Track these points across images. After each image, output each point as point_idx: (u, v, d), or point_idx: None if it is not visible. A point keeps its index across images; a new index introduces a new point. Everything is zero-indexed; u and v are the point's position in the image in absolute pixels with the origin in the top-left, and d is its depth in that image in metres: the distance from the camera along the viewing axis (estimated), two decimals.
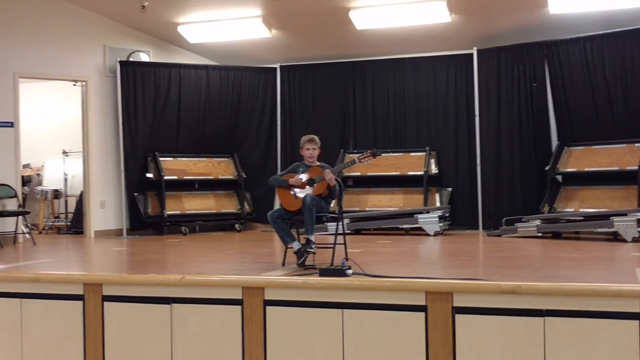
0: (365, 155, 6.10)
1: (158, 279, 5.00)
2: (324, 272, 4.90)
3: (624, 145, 8.75)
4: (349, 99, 10.71)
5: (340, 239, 5.90)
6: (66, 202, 11.34)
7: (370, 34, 9.77)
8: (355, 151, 10.35)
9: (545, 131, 9.49)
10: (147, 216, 10.15)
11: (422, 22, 9.29)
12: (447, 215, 9.35)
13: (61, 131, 11.67)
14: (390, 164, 10.11)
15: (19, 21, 9.31)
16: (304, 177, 6.02)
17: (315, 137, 6.16)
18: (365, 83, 10.64)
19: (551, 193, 9.13)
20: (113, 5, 9.63)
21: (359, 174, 10.17)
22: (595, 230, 8.02)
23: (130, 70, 10.24)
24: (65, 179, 11.35)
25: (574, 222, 8.48)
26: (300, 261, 5.77)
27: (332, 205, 6.34)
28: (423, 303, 4.31)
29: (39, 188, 11.34)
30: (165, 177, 10.14)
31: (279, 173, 6.46)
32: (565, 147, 9.26)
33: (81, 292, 5.08)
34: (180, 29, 10.10)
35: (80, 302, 5.07)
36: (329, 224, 8.48)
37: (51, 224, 11.29)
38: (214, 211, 10.54)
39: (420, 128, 10.35)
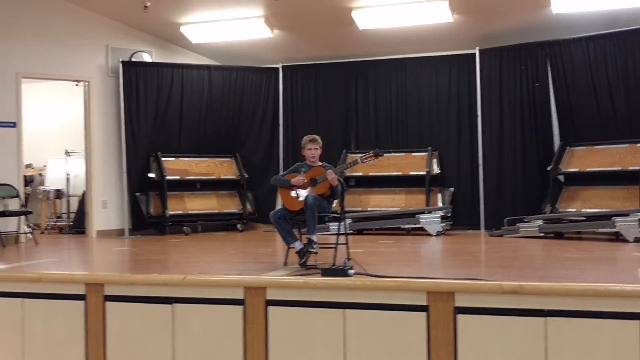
0: (367, 156, 6.10)
1: (160, 279, 5.00)
2: (326, 272, 4.90)
3: (627, 145, 8.73)
4: (351, 98, 10.71)
5: (342, 239, 5.91)
6: (68, 202, 11.36)
7: (372, 33, 9.77)
8: (358, 151, 10.35)
9: (548, 131, 9.48)
10: (149, 216, 10.16)
11: (424, 22, 9.29)
12: (449, 215, 9.35)
13: (63, 131, 11.68)
14: (392, 164, 10.11)
15: (22, 21, 9.32)
16: (305, 177, 6.02)
17: (317, 137, 6.16)
18: (368, 83, 10.64)
19: (553, 193, 9.12)
20: (115, 5, 9.64)
21: (361, 174, 10.17)
22: (597, 230, 8.01)
23: (133, 71, 10.25)
24: (68, 179, 11.37)
25: (576, 222, 8.47)
26: (302, 261, 5.78)
27: (334, 205, 6.34)
28: (425, 303, 4.30)
29: (41, 188, 11.36)
30: (168, 177, 10.15)
31: (281, 173, 6.46)
32: (568, 147, 9.25)
33: (83, 292, 5.08)
34: (182, 29, 10.11)
35: (82, 302, 5.08)
36: (331, 224, 8.51)
37: (53, 223, 11.31)
38: (216, 211, 10.55)
39: (422, 128, 10.35)
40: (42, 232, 10.92)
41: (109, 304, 5.02)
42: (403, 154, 10.24)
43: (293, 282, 4.77)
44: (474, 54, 9.83)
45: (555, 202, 9.07)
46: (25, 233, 9.24)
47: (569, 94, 9.25)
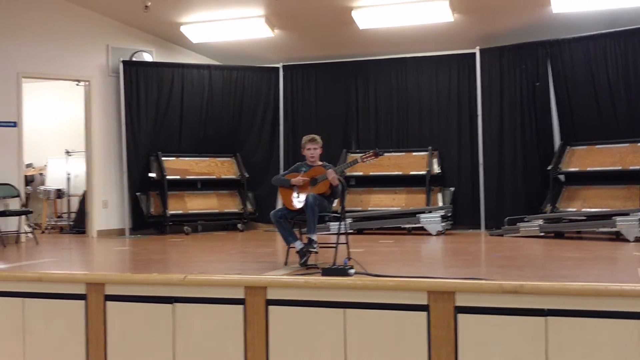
0: (367, 155, 6.11)
1: (160, 279, 5.00)
2: (326, 272, 4.91)
3: (627, 144, 8.73)
4: (351, 98, 10.71)
5: (342, 238, 5.91)
6: (69, 201, 11.37)
7: (372, 33, 9.77)
8: (358, 151, 10.35)
9: (548, 130, 9.47)
10: (150, 216, 10.16)
11: (424, 22, 9.29)
12: (450, 214, 9.36)
13: (64, 131, 11.69)
14: (393, 163, 10.12)
15: (22, 21, 9.32)
16: (305, 176, 6.01)
17: (317, 137, 6.15)
18: (368, 82, 10.64)
19: (553, 193, 9.12)
20: (116, 5, 9.64)
21: (361, 173, 10.17)
22: (598, 230, 8.02)
23: (133, 70, 10.25)
24: (68, 179, 11.37)
25: (577, 221, 8.47)
26: (303, 261, 5.78)
27: (334, 204, 6.34)
28: (425, 303, 4.31)
29: (42, 188, 11.36)
30: (168, 177, 10.15)
31: (282, 173, 6.46)
32: (568, 147, 9.25)
33: (84, 292, 5.09)
34: (183, 29, 10.11)
35: (83, 302, 5.08)
36: (332, 223, 8.51)
37: (54, 223, 11.32)
38: (216, 211, 10.55)
39: (422, 127, 10.35)
40: (42, 232, 10.93)
41: (109, 303, 5.03)
42: (403, 153, 10.24)
43: (293, 281, 4.77)
44: (474, 54, 9.83)
45: (556, 202, 9.07)
46: (26, 233, 9.25)
47: (569, 94, 9.25)
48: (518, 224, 8.65)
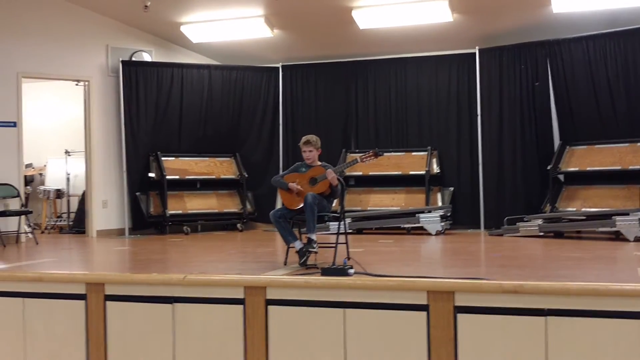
0: (367, 155, 6.11)
1: (160, 279, 5.00)
2: (326, 272, 4.91)
3: (627, 144, 8.74)
4: (351, 98, 10.71)
5: (342, 238, 5.90)
6: (68, 201, 11.36)
7: (372, 33, 9.77)
8: (357, 150, 10.36)
9: (548, 130, 9.48)
10: (149, 216, 10.16)
11: (424, 22, 9.29)
12: (449, 214, 9.35)
13: (63, 131, 11.68)
14: (392, 163, 10.12)
15: (22, 21, 9.32)
16: (301, 185, 5.99)
17: (312, 139, 6.12)
18: (368, 82, 10.64)
19: (553, 192, 9.12)
20: (116, 5, 9.64)
21: (360, 173, 10.17)
22: (598, 229, 8.02)
23: (133, 70, 10.25)
24: (68, 179, 11.37)
25: (576, 221, 8.47)
26: (302, 260, 5.78)
27: (334, 204, 6.34)
28: (425, 302, 4.31)
29: (42, 188, 11.36)
30: (168, 177, 10.15)
31: (281, 173, 6.46)
32: (568, 147, 9.26)
33: (83, 292, 5.09)
34: (183, 29, 10.11)
35: (83, 302, 5.08)
36: (331, 223, 8.51)
37: (53, 223, 11.32)
38: (215, 211, 10.55)
39: (422, 127, 10.36)
40: (42, 232, 10.93)
41: (109, 303, 5.03)
42: (403, 153, 10.24)
43: (293, 281, 4.77)
44: (474, 54, 9.83)
45: (555, 202, 9.08)
46: (26, 233, 9.25)
47: (568, 94, 9.25)
48: (518, 223, 8.65)
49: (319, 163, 6.15)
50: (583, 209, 8.77)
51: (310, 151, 6.09)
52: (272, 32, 9.95)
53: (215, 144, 10.77)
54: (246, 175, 10.69)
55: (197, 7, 9.51)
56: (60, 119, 11.91)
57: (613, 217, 7.74)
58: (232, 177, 10.74)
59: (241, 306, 4.69)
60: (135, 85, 10.26)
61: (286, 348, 4.61)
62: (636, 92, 8.70)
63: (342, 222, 5.99)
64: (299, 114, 10.95)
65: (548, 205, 9.11)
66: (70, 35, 9.76)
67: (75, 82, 10.16)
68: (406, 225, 9.27)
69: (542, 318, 4.07)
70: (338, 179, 5.92)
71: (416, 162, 10.08)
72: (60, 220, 11.43)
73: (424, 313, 4.30)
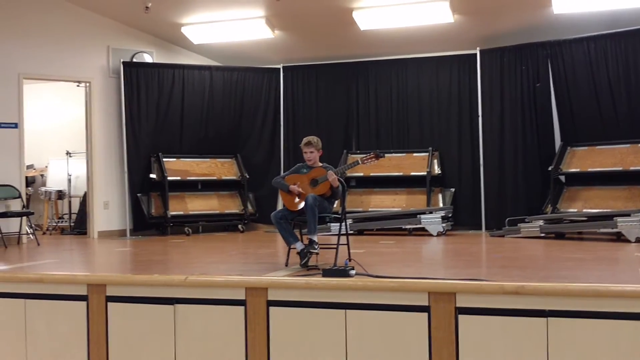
0: (368, 157, 6.12)
1: (161, 280, 5.01)
2: (327, 273, 4.91)
3: (628, 145, 8.73)
4: (352, 99, 10.72)
5: (343, 239, 5.90)
6: (70, 202, 11.37)
7: (373, 34, 9.77)
8: (358, 151, 10.37)
9: (549, 131, 9.47)
10: (151, 217, 10.17)
11: (425, 23, 9.29)
12: (450, 215, 9.36)
13: (65, 132, 11.70)
14: (393, 164, 10.12)
15: (23, 22, 9.33)
16: (301, 188, 5.99)
17: (313, 140, 6.11)
18: (368, 83, 10.64)
19: (554, 193, 9.11)
20: (117, 6, 9.65)
21: (361, 174, 10.17)
22: (599, 230, 8.01)
23: (134, 71, 10.26)
24: (69, 180, 11.37)
25: (577, 222, 8.47)
26: (304, 262, 5.78)
27: (335, 205, 6.34)
28: (426, 303, 4.31)
29: (43, 189, 11.37)
30: (169, 178, 10.16)
31: (282, 174, 6.46)
32: (569, 147, 9.25)
33: (85, 293, 5.10)
34: (183, 30, 10.12)
35: (84, 303, 5.09)
36: (332, 224, 8.51)
37: (55, 224, 11.32)
38: (217, 212, 10.56)
39: (423, 128, 10.36)
40: (43, 233, 10.94)
41: (110, 304, 5.03)
42: (404, 154, 10.24)
43: (294, 282, 4.77)
44: (475, 55, 9.83)
45: (557, 203, 9.07)
46: (27, 234, 9.26)
47: (570, 95, 9.25)
48: (519, 224, 8.65)
49: (320, 164, 6.15)
50: (584, 210, 8.76)
51: (311, 152, 6.09)
52: (273, 33, 9.95)
53: (217, 145, 10.77)
54: (247, 176, 10.69)
55: (198, 8, 9.52)
56: (62, 120, 11.93)
57: (614, 218, 7.73)
58: (233, 178, 10.74)
59: (242, 307, 4.70)
60: (136, 86, 10.27)
61: (287, 349, 4.62)
62: (637, 93, 8.69)
63: (343, 223, 5.99)
64: (300, 115, 10.96)
65: (549, 206, 9.11)
66: (71, 36, 9.77)
67: (77, 83, 10.18)
68: (407, 226, 9.27)
69: (543, 319, 4.07)
70: (339, 180, 5.93)
71: (417, 163, 10.08)
72: (62, 222, 11.44)
73: (425, 314, 4.30)
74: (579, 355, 4.01)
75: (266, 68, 11.08)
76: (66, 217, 11.40)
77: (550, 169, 9.10)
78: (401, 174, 10.07)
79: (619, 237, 7.72)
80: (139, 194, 10.23)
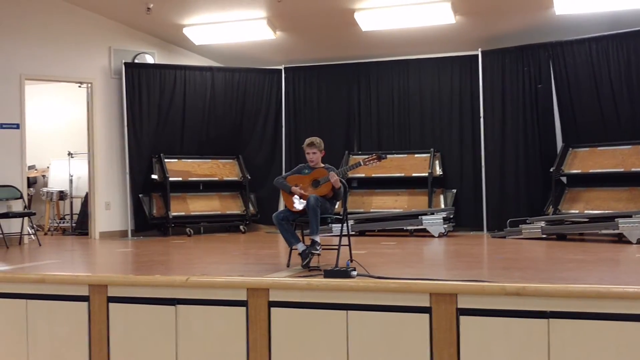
0: (370, 158, 6.12)
1: (163, 280, 5.01)
2: (329, 274, 4.91)
3: (630, 146, 8.72)
4: (353, 100, 10.72)
5: (344, 240, 5.91)
6: (71, 203, 11.38)
7: (375, 35, 9.77)
8: (360, 152, 10.37)
9: (550, 132, 9.47)
10: (152, 217, 10.17)
11: (427, 24, 9.30)
12: (452, 216, 9.36)
13: (66, 133, 11.71)
14: (395, 165, 10.11)
15: (25, 23, 9.34)
16: (304, 189, 5.99)
17: (316, 141, 6.12)
18: (370, 84, 10.65)
19: (556, 194, 9.11)
20: (118, 7, 9.66)
21: (363, 175, 10.17)
22: (600, 232, 8.01)
23: (136, 72, 10.26)
24: (71, 180, 11.38)
25: (579, 223, 8.46)
26: (305, 262, 5.78)
27: (336, 206, 6.34)
28: (427, 305, 4.31)
29: (45, 189, 11.37)
30: (170, 179, 10.16)
31: (284, 174, 6.46)
32: (570, 149, 9.25)
33: (86, 293, 5.10)
34: (185, 31, 10.12)
35: (86, 303, 5.09)
36: (334, 225, 8.51)
37: (56, 225, 11.32)
38: (218, 212, 10.56)
39: (424, 129, 10.36)
40: (45, 234, 10.94)
41: (112, 305, 5.03)
42: (405, 155, 10.24)
43: (296, 283, 4.78)
44: (477, 55, 9.83)
45: (558, 204, 9.07)
46: (29, 234, 9.27)
47: (571, 95, 9.24)
48: (520, 225, 8.64)
49: (322, 165, 6.15)
50: (586, 211, 8.75)
51: (313, 153, 6.10)
52: (275, 34, 9.95)
53: (218, 146, 10.78)
54: (249, 177, 10.69)
55: (200, 9, 9.53)
56: (63, 121, 11.94)
57: (616, 219, 7.72)
58: (235, 179, 10.74)
59: (244, 308, 4.70)
60: (138, 87, 10.28)
61: (289, 350, 4.61)
62: (639, 93, 8.69)
63: (344, 224, 5.99)
64: (302, 116, 10.96)
65: (551, 207, 9.10)
66: (73, 37, 9.77)
67: (78, 84, 10.18)
68: (409, 227, 9.27)
69: (545, 320, 4.06)
70: (340, 181, 5.93)
71: (419, 164, 10.07)
72: (63, 222, 11.44)
73: (427, 315, 4.29)
74: (581, 356, 4.01)
75: (268, 69, 11.08)
76: (68, 217, 11.41)
77: (551, 170, 9.09)
78: (403, 175, 10.07)
79: (621, 239, 7.72)
80: (140, 195, 10.24)
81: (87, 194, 10.46)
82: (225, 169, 10.80)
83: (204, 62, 11.10)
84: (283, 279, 4.94)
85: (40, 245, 8.88)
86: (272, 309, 4.64)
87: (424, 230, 9.14)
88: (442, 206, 9.81)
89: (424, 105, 10.35)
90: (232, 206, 10.72)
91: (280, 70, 11.05)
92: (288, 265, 5.94)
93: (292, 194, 6.00)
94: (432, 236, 9.02)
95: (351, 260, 5.67)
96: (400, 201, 10.10)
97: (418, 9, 8.98)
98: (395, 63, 10.51)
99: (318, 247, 5.81)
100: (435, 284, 4.46)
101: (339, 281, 4.64)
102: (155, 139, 10.40)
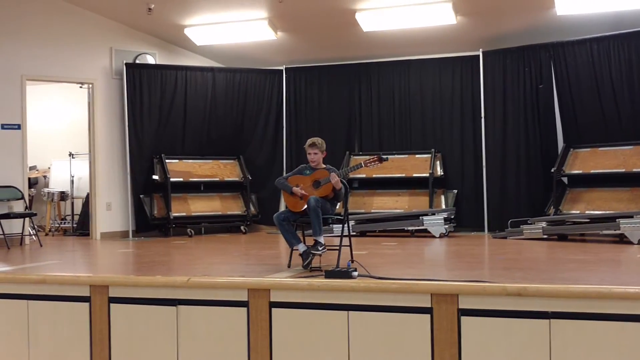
0: (371, 160, 6.12)
1: (164, 281, 5.01)
2: (330, 274, 4.91)
3: (631, 147, 8.72)
4: (354, 100, 10.72)
5: (345, 240, 5.91)
6: (72, 204, 11.38)
7: (376, 35, 9.77)
8: (361, 153, 10.37)
9: (551, 133, 9.47)
10: (153, 218, 10.17)
11: (428, 24, 9.30)
12: (453, 217, 9.35)
13: (68, 133, 11.71)
14: (396, 165, 10.11)
15: (26, 24, 9.35)
16: (305, 190, 5.99)
17: (317, 141, 6.12)
18: (371, 85, 10.65)
19: (557, 195, 9.11)
20: (120, 7, 9.66)
21: (364, 175, 10.17)
22: (601, 232, 8.00)
23: (137, 73, 10.27)
24: (72, 181, 11.39)
25: (580, 224, 8.45)
26: (306, 263, 5.78)
27: (337, 207, 6.34)
28: (428, 305, 4.31)
29: (46, 190, 11.38)
30: (171, 179, 10.16)
31: (285, 175, 6.46)
32: (571, 149, 9.24)
33: (87, 294, 5.10)
34: (186, 31, 10.13)
35: (87, 304, 5.09)
36: (335, 225, 8.50)
37: (57, 225, 11.33)
38: (219, 213, 10.57)
39: (425, 130, 10.36)
40: (46, 234, 10.94)
41: (113, 305, 5.04)
42: (406, 155, 10.24)
43: (297, 284, 4.78)
44: (478, 56, 9.83)
45: (559, 204, 9.06)
46: (30, 235, 9.28)
47: (572, 96, 9.24)
48: (521, 226, 8.64)
49: (323, 166, 6.15)
50: (587, 212, 8.75)
51: (315, 154, 6.10)
52: (276, 35, 9.96)
53: (219, 147, 10.78)
54: (250, 178, 10.69)
55: (201, 10, 9.53)
56: (65, 121, 11.95)
57: (617, 219, 7.71)
58: (236, 179, 10.74)
59: (245, 308, 4.70)
60: (139, 87, 10.28)
61: (290, 350, 4.61)
62: None
63: (345, 225, 5.99)
64: (303, 117, 10.97)
65: (552, 207, 9.09)
66: (74, 37, 9.78)
67: (79, 85, 10.20)
68: (410, 228, 9.26)
69: (546, 321, 4.06)
70: (341, 182, 5.93)
71: (420, 165, 10.07)
72: (64, 223, 11.45)
73: (428, 316, 4.29)
74: (582, 357, 4.01)
75: (269, 69, 11.09)
76: (69, 218, 11.42)
77: (552, 170, 9.09)
78: (404, 175, 10.07)
79: (622, 239, 7.71)
80: (141, 195, 10.24)
81: (88, 195, 10.46)
82: (226, 170, 10.80)
83: (205, 63, 11.10)
84: (284, 280, 4.94)
85: (41, 245, 8.88)
86: (273, 310, 4.65)
87: (425, 230, 9.13)
88: (443, 206, 9.81)
89: (425, 106, 10.35)
90: (233, 207, 10.72)
91: (282, 70, 11.05)
92: (289, 266, 5.94)
93: (293, 194, 6.00)
94: (433, 237, 9.02)
95: (352, 261, 5.66)
96: (401, 202, 10.10)
97: (419, 10, 8.97)
98: (397, 63, 10.51)
99: (321, 248, 5.81)
100: (437, 284, 4.46)
101: (340, 282, 4.64)
102: (156, 140, 10.40)
